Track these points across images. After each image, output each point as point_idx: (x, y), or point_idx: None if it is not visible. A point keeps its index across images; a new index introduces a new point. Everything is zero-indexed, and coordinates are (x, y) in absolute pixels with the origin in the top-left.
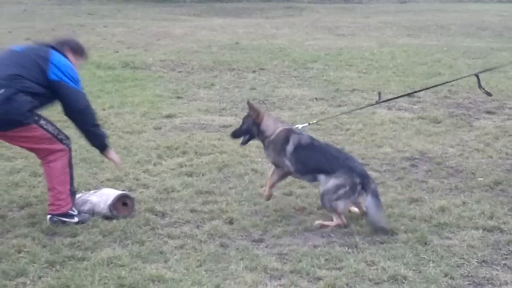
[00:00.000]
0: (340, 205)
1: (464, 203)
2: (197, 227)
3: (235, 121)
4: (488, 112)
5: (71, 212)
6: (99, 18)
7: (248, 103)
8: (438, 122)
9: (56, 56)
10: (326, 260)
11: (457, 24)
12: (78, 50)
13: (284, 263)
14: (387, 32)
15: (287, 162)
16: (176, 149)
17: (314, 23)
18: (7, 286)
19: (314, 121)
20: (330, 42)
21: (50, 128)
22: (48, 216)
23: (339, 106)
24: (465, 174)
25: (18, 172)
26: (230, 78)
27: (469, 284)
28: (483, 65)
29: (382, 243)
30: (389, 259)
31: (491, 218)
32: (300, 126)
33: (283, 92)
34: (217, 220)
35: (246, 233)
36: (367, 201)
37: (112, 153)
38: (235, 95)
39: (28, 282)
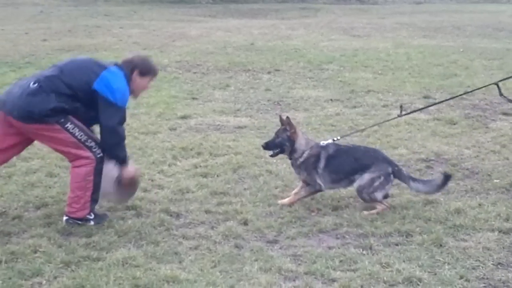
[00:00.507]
0: (378, 195)
1: (480, 205)
2: (212, 228)
3: (250, 122)
4: (505, 114)
5: (87, 217)
6: (115, 19)
7: (287, 118)
8: (454, 124)
9: (111, 71)
10: (340, 261)
11: (473, 25)
12: (143, 70)
13: (299, 264)
14: (403, 33)
15: (319, 180)
16: (191, 150)
17: (329, 24)
18: (23, 286)
19: (338, 137)
20: (345, 43)
21: (78, 133)
22: (65, 218)
23: (354, 107)
24: (481, 175)
25: (34, 172)
26: (245, 79)
27: (485, 287)
28: (499, 66)
29: (397, 244)
30: (404, 261)
31: (507, 220)
32: (324, 142)
33: (298, 93)
34: (231, 221)
35: (261, 234)
36: (412, 187)
37: (128, 169)
38: (250, 96)
39: (44, 282)
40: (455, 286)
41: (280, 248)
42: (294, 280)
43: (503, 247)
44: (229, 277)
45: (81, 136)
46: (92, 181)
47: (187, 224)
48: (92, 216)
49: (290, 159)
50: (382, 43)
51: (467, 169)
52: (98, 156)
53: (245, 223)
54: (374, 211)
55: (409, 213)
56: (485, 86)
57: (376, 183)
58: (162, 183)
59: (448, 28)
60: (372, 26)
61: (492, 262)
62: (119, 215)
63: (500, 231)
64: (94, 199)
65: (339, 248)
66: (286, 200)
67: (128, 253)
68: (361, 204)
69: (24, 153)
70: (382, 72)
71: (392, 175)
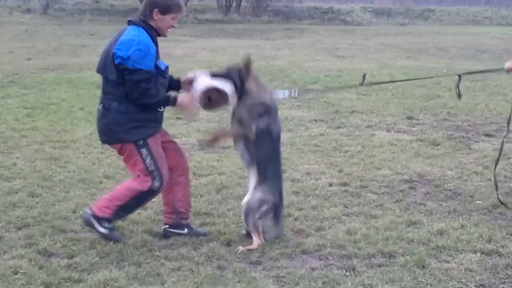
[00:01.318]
0: None
1: (462, 226)
2: (195, 249)
3: None
4: (487, 135)
5: (104, 223)
6: (100, 39)
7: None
8: (437, 145)
9: (122, 42)
10: (323, 283)
11: (456, 47)
12: (162, 7)
13: (282, 286)
14: (387, 54)
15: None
16: None
17: (314, 45)
18: None
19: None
20: (330, 63)
21: (148, 162)
22: (86, 210)
23: (339, 127)
24: (463, 197)
25: (16, 192)
26: None
27: None
28: (482, 88)
29: (380, 266)
30: (386, 282)
31: (489, 241)
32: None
33: (282, 114)
34: (214, 242)
35: (244, 256)
36: None
37: (180, 100)
38: None
39: None
40: None
41: (263, 269)
42: None
43: (485, 269)
44: None
45: (150, 164)
46: (130, 198)
47: (169, 245)
48: (108, 227)
49: None
50: (366, 64)
51: (450, 190)
52: (153, 187)
53: (228, 244)
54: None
55: (392, 234)
56: (447, 75)
57: None
58: (145, 204)
59: (432, 50)
60: (356, 47)
61: (474, 284)
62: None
63: (482, 253)
64: (117, 214)
65: (322, 269)
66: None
67: (110, 274)
68: (344, 226)
69: (6, 172)
70: (366, 93)
71: None
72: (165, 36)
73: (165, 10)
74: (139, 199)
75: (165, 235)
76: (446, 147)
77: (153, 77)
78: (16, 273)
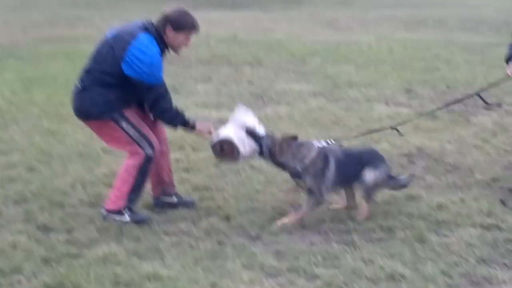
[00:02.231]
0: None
1: (462, 200)
2: (194, 223)
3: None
4: (486, 108)
5: (122, 211)
6: (96, 10)
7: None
8: (436, 118)
9: (135, 47)
10: (323, 258)
11: (455, 19)
12: (176, 24)
13: (281, 261)
14: (385, 27)
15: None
16: (173, 144)
17: (312, 17)
18: (1, 284)
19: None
20: (328, 36)
21: (131, 132)
22: (103, 213)
23: (337, 101)
24: (463, 171)
25: (14, 166)
26: (227, 72)
27: (467, 283)
28: (481, 60)
29: (379, 240)
30: (386, 257)
31: (489, 215)
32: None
33: (280, 87)
34: (213, 217)
35: (243, 230)
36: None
37: (199, 126)
38: (233, 90)
39: (23, 279)
40: (438, 282)
41: (263, 245)
42: (276, 277)
43: (485, 243)
44: (211, 274)
45: (134, 134)
46: (133, 177)
47: (169, 220)
48: (128, 213)
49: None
50: (365, 37)
51: (449, 164)
52: (148, 155)
53: (228, 219)
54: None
55: (392, 209)
56: (470, 96)
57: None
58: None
59: (430, 22)
60: (354, 19)
61: (474, 258)
62: (100, 210)
63: (482, 227)
64: (131, 199)
65: (321, 244)
66: (286, 220)
67: (109, 249)
68: (343, 199)
69: (3, 146)
70: (364, 66)
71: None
72: (177, 54)
73: (178, 27)
74: (142, 173)
75: (158, 205)
76: (445, 121)
77: (166, 91)
78: (15, 248)
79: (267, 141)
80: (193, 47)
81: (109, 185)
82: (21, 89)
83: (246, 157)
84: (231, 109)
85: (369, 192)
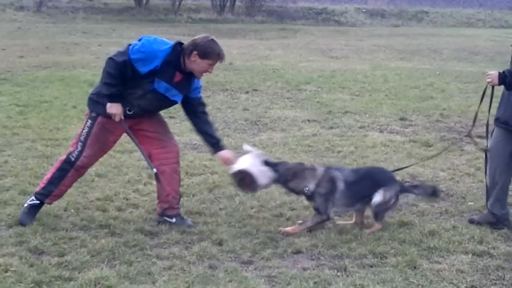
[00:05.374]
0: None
1: (454, 227)
2: (186, 248)
3: (227, 142)
4: (479, 137)
5: (38, 195)
6: (93, 37)
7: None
8: (430, 146)
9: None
10: (315, 283)
11: (450, 49)
12: (201, 52)
13: (273, 285)
14: (380, 55)
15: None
16: None
17: (307, 45)
18: None
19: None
20: (323, 64)
21: (84, 131)
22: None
23: (331, 128)
24: (455, 198)
25: (7, 190)
26: (223, 98)
27: None
28: (475, 90)
29: (371, 266)
30: (378, 283)
31: (480, 242)
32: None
33: (275, 113)
34: (206, 241)
35: (235, 255)
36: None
37: (221, 156)
38: (228, 116)
39: None
40: None
41: (255, 269)
42: None
43: (477, 270)
44: None
45: (82, 135)
46: (55, 168)
47: (161, 244)
48: (34, 199)
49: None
50: (360, 65)
51: (442, 191)
52: (70, 157)
53: (220, 244)
54: (373, 229)
55: (384, 235)
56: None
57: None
58: (137, 202)
59: (425, 51)
60: (350, 48)
61: (465, 285)
62: (93, 234)
63: (473, 254)
64: (45, 188)
65: (313, 269)
66: (289, 229)
67: (101, 273)
68: (335, 226)
69: None
70: (359, 94)
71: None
72: (198, 78)
73: (204, 55)
74: (60, 170)
75: (160, 221)
76: (439, 149)
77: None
78: (6, 271)
79: (282, 169)
80: None
81: (102, 209)
82: (17, 114)
83: (264, 187)
84: (225, 135)
85: (379, 212)
